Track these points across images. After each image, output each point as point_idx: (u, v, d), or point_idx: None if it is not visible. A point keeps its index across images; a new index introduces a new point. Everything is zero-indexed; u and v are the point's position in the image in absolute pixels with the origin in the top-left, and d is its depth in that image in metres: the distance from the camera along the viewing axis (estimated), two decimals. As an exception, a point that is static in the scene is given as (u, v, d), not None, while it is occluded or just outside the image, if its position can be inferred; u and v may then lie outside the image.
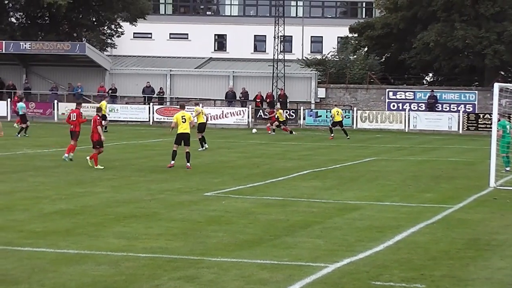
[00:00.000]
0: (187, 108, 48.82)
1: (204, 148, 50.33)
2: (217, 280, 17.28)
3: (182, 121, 41.32)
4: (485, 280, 17.96)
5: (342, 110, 72.44)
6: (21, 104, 63.79)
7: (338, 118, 68.38)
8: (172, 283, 16.87)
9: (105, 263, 18.61)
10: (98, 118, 40.35)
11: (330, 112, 72.53)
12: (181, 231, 23.03)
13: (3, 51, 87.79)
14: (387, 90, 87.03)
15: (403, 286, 17.04)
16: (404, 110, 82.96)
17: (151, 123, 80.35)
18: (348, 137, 66.37)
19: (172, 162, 40.99)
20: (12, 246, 20.14)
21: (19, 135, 58.50)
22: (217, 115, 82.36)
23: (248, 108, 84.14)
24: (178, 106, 50.15)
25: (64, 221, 24.22)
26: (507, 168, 39.92)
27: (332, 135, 67.26)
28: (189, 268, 18.27)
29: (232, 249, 20.57)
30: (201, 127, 50.10)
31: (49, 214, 25.48)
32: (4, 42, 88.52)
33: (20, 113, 62.10)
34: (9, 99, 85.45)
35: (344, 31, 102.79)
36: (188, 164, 40.74)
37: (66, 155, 42.54)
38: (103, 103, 62.06)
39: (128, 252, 19.83)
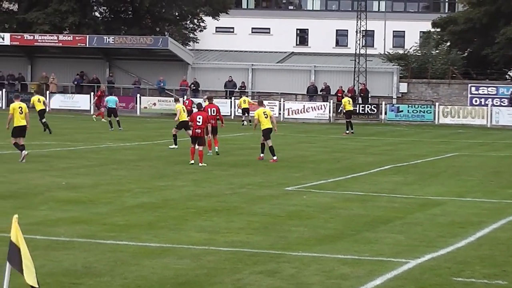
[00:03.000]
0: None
1: (175, 147, 47.01)
2: (298, 274, 17.27)
3: (264, 117, 41.61)
4: None
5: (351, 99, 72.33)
6: (113, 98, 63.83)
7: (349, 107, 67.98)
8: (253, 277, 16.89)
9: (186, 257, 18.68)
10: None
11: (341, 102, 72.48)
12: (262, 225, 23.05)
13: (87, 45, 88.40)
14: (469, 85, 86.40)
15: (484, 282, 16.90)
16: (487, 105, 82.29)
17: (232, 117, 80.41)
18: (352, 131, 65.81)
19: (262, 155, 41.33)
20: (95, 239, 20.29)
21: (120, 128, 58.56)
22: (298, 109, 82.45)
23: (330, 102, 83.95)
24: (257, 102, 49.93)
25: (146, 215, 24.36)
26: None
27: (347, 131, 65.91)
28: (270, 263, 18.29)
29: (313, 243, 20.55)
30: (182, 124, 46.95)
31: (131, 208, 25.65)
32: (88, 36, 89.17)
33: (113, 106, 62.16)
34: (92, 93, 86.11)
35: (427, 26, 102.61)
36: (275, 157, 40.86)
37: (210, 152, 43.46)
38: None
39: (210, 246, 19.87)
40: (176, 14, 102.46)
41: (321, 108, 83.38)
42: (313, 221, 24.05)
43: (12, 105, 38.82)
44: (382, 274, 17.33)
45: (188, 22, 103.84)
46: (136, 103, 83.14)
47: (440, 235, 21.82)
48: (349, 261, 18.60)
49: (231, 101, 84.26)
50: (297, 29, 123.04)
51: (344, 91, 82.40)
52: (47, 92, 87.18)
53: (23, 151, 37.54)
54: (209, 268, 17.69)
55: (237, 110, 76.51)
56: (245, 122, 71.76)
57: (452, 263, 18.62)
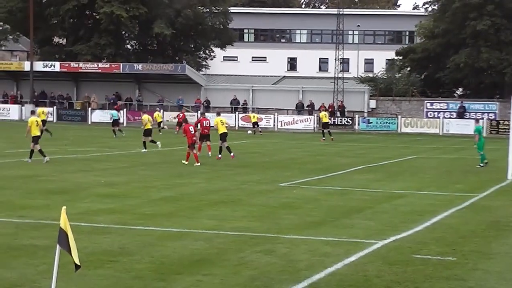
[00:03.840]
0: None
1: (144, 151, 46.24)
2: (290, 253, 17.30)
3: (221, 124, 43.28)
4: (505, 254, 17.88)
5: (328, 113, 72.75)
6: (116, 112, 65.29)
7: (325, 120, 67.92)
8: (254, 256, 16.92)
9: (200, 239, 18.70)
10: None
11: (319, 115, 72.68)
12: (260, 214, 23.07)
13: (121, 71, 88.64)
14: (425, 101, 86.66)
15: (438, 258, 16.94)
16: (439, 117, 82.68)
17: (236, 128, 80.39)
18: (332, 137, 65.67)
19: (220, 155, 42.01)
20: (128, 226, 20.31)
21: (123, 134, 58.61)
22: (289, 121, 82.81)
23: (314, 116, 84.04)
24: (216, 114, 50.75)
25: (168, 206, 24.37)
26: (481, 164, 40.89)
27: (324, 138, 65.70)
28: (267, 244, 18.31)
29: (301, 228, 20.57)
30: (148, 132, 46.96)
31: (156, 200, 25.65)
32: (121, 64, 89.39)
33: (117, 118, 63.36)
34: (125, 109, 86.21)
35: (391, 55, 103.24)
36: (232, 154, 42.43)
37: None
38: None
39: (219, 230, 19.89)
40: (192, 46, 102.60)
41: (307, 121, 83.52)
42: (301, 211, 24.07)
43: (30, 119, 38.81)
44: (356, 253, 17.37)
45: (201, 52, 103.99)
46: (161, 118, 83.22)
47: (403, 221, 21.85)
48: (330, 242, 18.63)
49: (235, 115, 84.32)
50: (288, 58, 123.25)
51: (325, 107, 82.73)
52: (89, 108, 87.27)
53: (45, 158, 37.70)
54: (218, 248, 17.71)
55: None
56: (250, 131, 72.20)
57: (412, 243, 18.66)
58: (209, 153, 43.81)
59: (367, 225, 21.41)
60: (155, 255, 16.77)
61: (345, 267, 16.02)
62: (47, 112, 60.61)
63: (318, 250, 17.73)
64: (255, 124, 74.14)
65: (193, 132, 39.40)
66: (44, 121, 42.44)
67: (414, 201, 27.11)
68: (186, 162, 39.03)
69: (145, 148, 45.73)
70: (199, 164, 38.45)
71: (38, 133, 38.30)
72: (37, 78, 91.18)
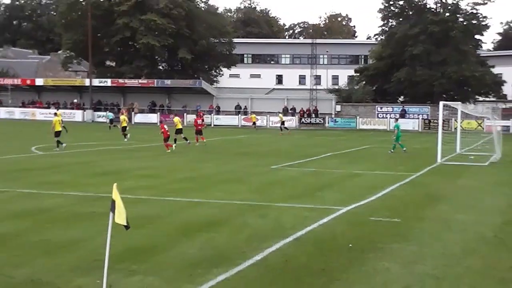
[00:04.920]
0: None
1: (175, 145, 43.06)
2: (278, 217, 17.26)
3: (179, 122, 44.66)
4: (435, 217, 17.83)
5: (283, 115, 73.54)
6: (111, 114, 68.51)
7: (282, 119, 69.65)
8: (252, 219, 16.88)
9: (214, 207, 18.66)
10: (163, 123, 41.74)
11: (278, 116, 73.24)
12: (257, 188, 23.00)
13: (155, 85, 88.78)
14: (376, 106, 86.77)
15: (387, 220, 16.88)
16: (387, 118, 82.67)
17: (239, 127, 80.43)
18: (288, 131, 67.66)
19: (174, 145, 41.33)
20: (160, 197, 20.26)
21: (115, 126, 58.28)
22: (277, 121, 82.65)
23: (295, 117, 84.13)
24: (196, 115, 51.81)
25: (190, 183, 24.31)
26: (404, 149, 41.38)
27: (282, 132, 66.88)
28: (261, 210, 18.26)
29: (287, 199, 20.51)
30: (178, 131, 44.22)
31: (181, 179, 25.59)
32: (155, 80, 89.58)
33: (111, 118, 65.50)
34: (158, 113, 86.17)
35: (351, 72, 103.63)
36: (188, 141, 44.20)
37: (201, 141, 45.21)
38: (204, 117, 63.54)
39: (227, 200, 19.85)
40: (206, 66, 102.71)
41: (291, 121, 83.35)
42: (286, 186, 24.03)
43: (54, 119, 40.02)
44: (328, 216, 17.33)
45: (213, 71, 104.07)
46: (184, 118, 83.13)
47: (361, 193, 21.75)
48: (308, 209, 18.59)
49: (238, 117, 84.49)
50: (276, 75, 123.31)
51: (303, 111, 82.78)
52: (133, 113, 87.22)
53: (63, 144, 38.68)
54: (227, 214, 17.68)
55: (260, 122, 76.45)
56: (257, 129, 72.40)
57: (368, 209, 18.62)
58: (204, 141, 45.66)
59: (335, 196, 21.35)
60: (180, 219, 16.76)
61: (319, 227, 15.99)
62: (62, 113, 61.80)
63: (299, 214, 17.69)
64: (254, 123, 74.12)
65: (167, 129, 39.92)
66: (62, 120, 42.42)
67: (369, 178, 27.04)
68: (169, 150, 39.12)
69: (175, 143, 45.41)
70: (169, 151, 39.05)
71: (60, 129, 39.20)
72: (94, 90, 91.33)
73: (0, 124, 75.82)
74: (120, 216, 9.37)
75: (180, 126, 44.77)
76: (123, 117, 51.12)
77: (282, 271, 11.82)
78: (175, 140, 43.17)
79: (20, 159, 32.82)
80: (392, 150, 41.54)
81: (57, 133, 38.93)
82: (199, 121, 46.82)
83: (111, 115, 69.39)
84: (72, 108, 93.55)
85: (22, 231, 14.87)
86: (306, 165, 32.56)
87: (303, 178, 26.91)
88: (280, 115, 72.79)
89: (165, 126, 40.16)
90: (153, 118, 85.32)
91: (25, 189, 21.58)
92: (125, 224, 9.43)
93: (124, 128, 49.75)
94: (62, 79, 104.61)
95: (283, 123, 69.30)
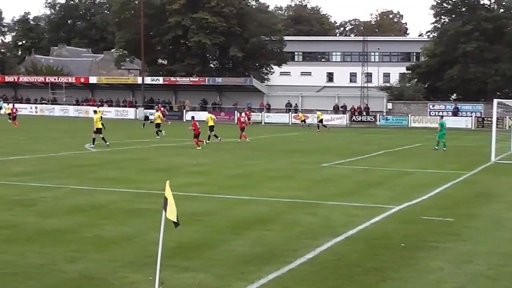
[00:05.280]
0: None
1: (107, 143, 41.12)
2: (329, 215, 17.20)
3: (211, 119, 44.90)
4: (487, 216, 17.61)
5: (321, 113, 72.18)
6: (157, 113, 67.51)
7: (320, 117, 68.60)
8: (302, 216, 16.85)
9: (263, 204, 18.67)
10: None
11: (316, 114, 71.91)
12: (307, 186, 22.95)
13: (206, 83, 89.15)
14: (428, 104, 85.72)
15: (439, 219, 16.69)
16: (439, 115, 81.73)
17: (290, 124, 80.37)
18: (323, 129, 66.47)
19: (208, 141, 42.77)
20: (211, 194, 20.34)
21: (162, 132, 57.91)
22: (327, 119, 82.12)
23: (346, 115, 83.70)
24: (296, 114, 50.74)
25: (239, 180, 24.37)
26: (444, 148, 41.02)
27: (318, 130, 65.89)
28: (312, 208, 18.20)
29: (337, 196, 20.42)
30: (210, 128, 44.38)
31: (231, 176, 25.65)
32: (206, 78, 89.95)
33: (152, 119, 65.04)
34: (210, 110, 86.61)
35: (403, 70, 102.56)
36: (219, 138, 43.82)
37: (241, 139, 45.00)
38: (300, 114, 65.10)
39: (277, 198, 19.84)
40: (257, 64, 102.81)
41: (341, 118, 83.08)
42: (336, 183, 23.92)
43: (95, 116, 40.58)
44: (379, 215, 17.19)
45: (263, 69, 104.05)
46: (235, 116, 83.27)
47: (412, 192, 21.56)
48: (359, 207, 18.48)
49: (289, 115, 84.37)
50: (327, 72, 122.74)
51: (354, 109, 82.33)
52: (184, 110, 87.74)
53: (107, 143, 39.04)
54: (276, 211, 17.67)
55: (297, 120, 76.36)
56: (304, 127, 71.81)
57: (420, 208, 18.46)
58: (246, 139, 45.95)
59: (386, 195, 21.18)
60: (231, 216, 16.78)
61: (370, 225, 15.86)
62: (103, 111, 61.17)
63: (350, 213, 17.59)
64: (304, 121, 73.75)
65: (198, 126, 40.36)
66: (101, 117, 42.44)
67: (421, 177, 26.76)
68: (199, 147, 39.40)
69: (208, 140, 45.11)
70: (199, 147, 39.36)
71: (101, 126, 39.60)
72: (146, 88, 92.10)
73: (54, 121, 77.02)
74: (172, 213, 9.41)
75: (211, 123, 44.92)
76: (157, 114, 51.74)
77: (334, 270, 11.73)
78: (208, 137, 43.55)
79: (74, 156, 33.29)
80: (436, 147, 41.43)
81: (98, 130, 39.52)
82: (242, 119, 47.85)
83: (148, 112, 69.94)
84: (125, 106, 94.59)
85: (76, 226, 15.06)
86: (357, 163, 32.35)
87: (354, 176, 26.73)
88: (319, 112, 72.23)
89: (197, 123, 40.63)
90: (204, 115, 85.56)
91: (79, 185, 21.86)
92: (175, 221, 9.47)
93: (157, 125, 50.03)
94: (115, 77, 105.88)
95: (321, 120, 68.84)
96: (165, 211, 9.46)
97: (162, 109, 69.17)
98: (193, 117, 43.55)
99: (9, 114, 66.98)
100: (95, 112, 43.50)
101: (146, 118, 67.64)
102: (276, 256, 12.52)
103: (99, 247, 13.07)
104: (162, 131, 49.41)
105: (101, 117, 42.44)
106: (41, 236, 13.98)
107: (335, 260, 12.39)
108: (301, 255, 12.65)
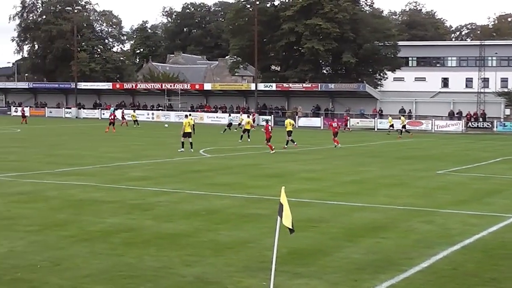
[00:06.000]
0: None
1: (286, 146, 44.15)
2: (445, 223, 16.87)
3: (289, 124, 45.75)
4: None
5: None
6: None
7: (404, 122, 65.90)
8: (418, 224, 16.59)
9: (377, 211, 18.51)
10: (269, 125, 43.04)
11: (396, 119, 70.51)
12: (422, 193, 22.58)
13: (319, 89, 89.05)
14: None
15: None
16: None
17: (403, 131, 79.22)
18: (410, 134, 64.73)
19: (286, 146, 43.97)
20: (324, 201, 20.31)
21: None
22: (443, 125, 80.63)
23: (462, 121, 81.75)
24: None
25: (353, 187, 24.23)
26: None
27: (400, 136, 63.19)
28: (427, 216, 17.90)
29: (453, 204, 20.01)
30: (288, 133, 45.24)
31: (343, 183, 25.53)
32: (319, 84, 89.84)
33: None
34: (322, 117, 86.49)
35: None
36: (295, 143, 44.61)
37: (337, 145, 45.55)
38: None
39: (391, 205, 19.63)
40: (370, 70, 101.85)
41: (456, 125, 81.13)
42: (452, 191, 23.38)
43: (184, 121, 41.14)
44: (497, 224, 16.75)
45: (376, 74, 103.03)
46: (348, 122, 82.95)
47: (532, 201, 20.90)
48: (476, 216, 18.04)
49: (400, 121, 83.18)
50: (441, 78, 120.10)
51: (470, 115, 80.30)
52: (296, 116, 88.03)
53: (190, 149, 39.36)
54: (391, 218, 17.47)
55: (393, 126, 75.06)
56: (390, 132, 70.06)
57: (539, 218, 17.83)
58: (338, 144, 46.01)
59: (505, 203, 20.57)
60: (345, 223, 16.71)
61: (488, 235, 15.46)
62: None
63: (467, 221, 17.18)
64: (403, 127, 71.17)
65: (270, 130, 41.30)
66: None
67: (541, 185, 25.87)
68: (272, 151, 39.75)
69: (286, 145, 45.08)
70: (273, 151, 39.73)
71: (190, 130, 40.39)
72: (259, 95, 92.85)
73: (170, 127, 78.85)
74: (287, 219, 9.48)
75: (290, 128, 45.58)
76: (248, 120, 52.56)
77: (450, 279, 11.49)
78: (286, 142, 44.62)
79: (190, 161, 33.96)
80: None
81: (186, 134, 40.41)
82: (334, 124, 48.32)
83: (232, 117, 70.32)
84: (238, 112, 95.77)
85: (192, 231, 15.37)
86: (474, 170, 31.54)
87: (470, 183, 26.09)
88: (402, 118, 70.50)
89: (270, 127, 41.60)
90: (317, 122, 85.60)
91: (194, 190, 22.30)
92: (291, 227, 9.52)
93: (246, 131, 51.16)
94: (229, 84, 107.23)
95: (404, 126, 67.13)
96: (281, 218, 9.53)
97: (254, 116, 68.95)
98: (267, 121, 44.54)
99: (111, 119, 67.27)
100: (186, 116, 44.48)
101: (230, 124, 67.83)
102: (390, 264, 12.39)
103: (215, 251, 13.29)
104: (249, 139, 50.06)
105: (194, 124, 43.06)
106: (158, 239, 14.35)
107: (451, 269, 12.15)
108: (416, 263, 12.47)
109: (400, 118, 70.21)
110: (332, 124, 49.26)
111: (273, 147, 40.65)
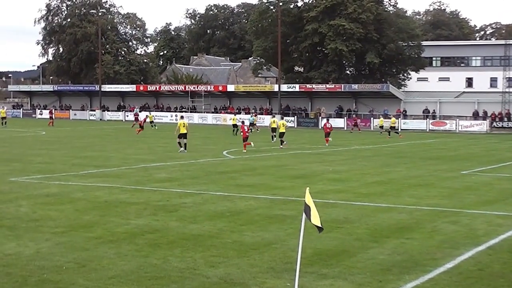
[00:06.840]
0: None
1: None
2: (470, 223, 16.79)
3: (282, 125, 46.43)
4: None
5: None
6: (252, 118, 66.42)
7: (273, 126, 56.43)
8: (443, 225, 16.53)
9: (403, 212, 18.44)
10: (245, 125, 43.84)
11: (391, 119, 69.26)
12: (448, 194, 22.47)
13: (342, 90, 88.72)
14: None
15: None
16: None
17: (427, 131, 78.74)
18: (394, 136, 63.63)
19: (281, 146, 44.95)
20: (349, 202, 20.29)
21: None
22: (467, 125, 79.98)
23: (486, 121, 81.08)
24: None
25: (378, 187, 24.15)
26: None
27: (390, 136, 62.88)
28: (453, 216, 17.82)
29: (479, 205, 19.91)
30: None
31: (369, 184, 25.44)
32: (342, 84, 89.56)
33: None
34: (345, 117, 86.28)
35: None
36: (285, 142, 45.58)
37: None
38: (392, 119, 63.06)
39: (417, 206, 19.56)
40: (394, 70, 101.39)
41: (481, 125, 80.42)
42: (478, 192, 23.25)
43: (179, 122, 41.82)
44: (523, 224, 16.63)
45: (400, 75, 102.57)
46: (371, 123, 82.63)
47: (559, 201, 20.71)
48: (501, 216, 17.93)
49: (426, 121, 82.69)
50: (466, 77, 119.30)
51: (495, 115, 79.57)
52: (320, 117, 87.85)
53: (184, 150, 40.01)
54: (416, 219, 17.41)
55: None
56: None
57: None
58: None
59: (531, 203, 20.44)
60: (370, 223, 16.68)
61: (514, 235, 15.38)
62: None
63: (492, 222, 17.08)
64: (381, 127, 70.41)
65: (246, 130, 42.59)
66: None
67: None
68: (245, 151, 40.94)
69: (281, 145, 45.93)
70: (245, 150, 40.87)
71: (185, 131, 40.84)
72: (283, 96, 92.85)
73: (194, 128, 79.04)
74: (315, 218, 9.52)
75: (283, 130, 46.23)
76: (274, 119, 53.01)
77: (476, 280, 11.43)
78: (281, 142, 45.38)
79: (214, 162, 34.04)
80: None
81: (181, 135, 40.86)
82: (328, 125, 49.53)
83: (252, 119, 70.04)
84: (262, 113, 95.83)
85: (217, 232, 15.42)
86: (500, 170, 31.32)
87: (496, 183, 25.91)
88: (393, 118, 69.89)
89: (245, 127, 42.79)
90: (340, 122, 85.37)
91: (219, 191, 22.36)
92: (320, 225, 9.56)
93: (273, 130, 51.74)
94: (252, 85, 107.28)
95: (393, 127, 66.53)
96: (308, 217, 9.55)
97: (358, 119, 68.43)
98: (243, 122, 45.87)
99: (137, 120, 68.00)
100: (181, 117, 45.11)
101: (251, 125, 67.74)
102: (415, 265, 12.35)
103: (239, 252, 13.32)
104: (274, 139, 50.29)
105: (186, 124, 43.27)
106: (183, 240, 14.41)
107: (477, 270, 12.08)
108: (441, 264, 12.42)
109: (390, 119, 69.76)
110: (326, 125, 50.24)
111: (252, 144, 42.18)
